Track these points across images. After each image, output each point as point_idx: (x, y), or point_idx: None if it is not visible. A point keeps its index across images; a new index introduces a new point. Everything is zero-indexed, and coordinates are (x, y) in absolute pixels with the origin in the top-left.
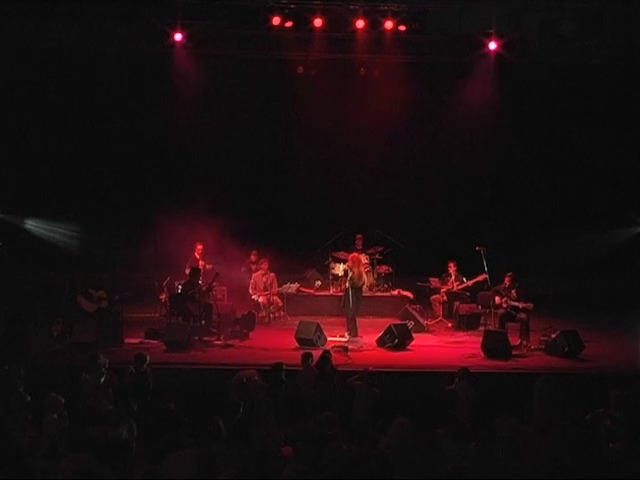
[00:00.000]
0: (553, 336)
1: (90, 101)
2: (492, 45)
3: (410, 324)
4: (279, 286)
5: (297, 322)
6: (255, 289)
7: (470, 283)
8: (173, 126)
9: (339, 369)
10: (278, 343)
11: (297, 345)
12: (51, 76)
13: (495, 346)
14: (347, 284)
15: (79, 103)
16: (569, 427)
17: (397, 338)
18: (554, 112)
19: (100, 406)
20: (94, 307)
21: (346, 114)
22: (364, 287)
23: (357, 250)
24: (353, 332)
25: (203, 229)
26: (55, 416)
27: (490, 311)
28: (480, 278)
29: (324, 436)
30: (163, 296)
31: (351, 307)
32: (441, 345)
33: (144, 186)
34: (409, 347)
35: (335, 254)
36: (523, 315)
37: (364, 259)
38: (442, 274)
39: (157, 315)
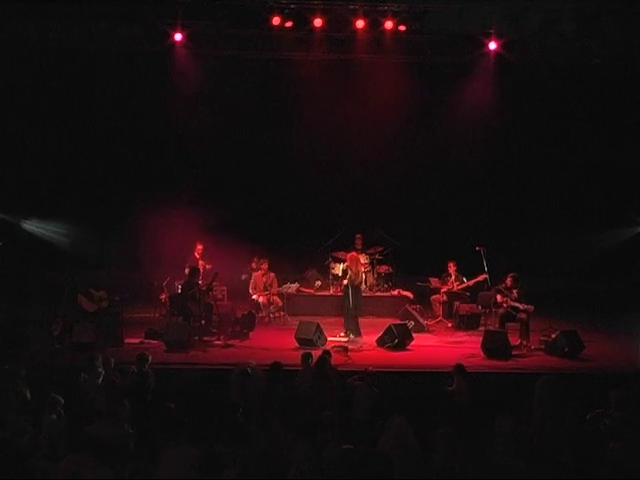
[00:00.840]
0: (553, 336)
1: (90, 101)
2: (492, 45)
3: (410, 324)
4: (279, 286)
5: (297, 322)
6: (255, 289)
7: (470, 283)
8: (173, 126)
9: (339, 369)
10: (278, 343)
11: (297, 345)
12: (51, 76)
13: (495, 346)
14: (346, 282)
15: (79, 103)
16: (569, 427)
17: (397, 338)
18: (554, 112)
19: (99, 406)
20: (94, 307)
21: (346, 114)
22: (363, 287)
23: (357, 250)
24: (356, 332)
25: (202, 229)
26: (55, 416)
27: (490, 311)
28: (480, 278)
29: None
30: (163, 296)
31: (351, 307)
32: (441, 345)
33: (144, 186)
34: (409, 347)
35: (335, 254)
36: (523, 315)
37: (363, 259)
38: (442, 274)
39: (157, 315)
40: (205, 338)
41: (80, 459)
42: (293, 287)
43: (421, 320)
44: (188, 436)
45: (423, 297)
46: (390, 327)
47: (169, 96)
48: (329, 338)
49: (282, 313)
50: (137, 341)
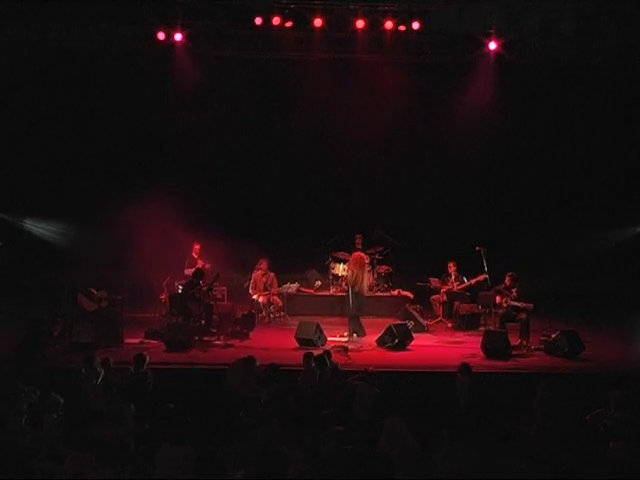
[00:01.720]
0: (553, 336)
1: (90, 101)
2: (492, 45)
3: (410, 324)
4: (279, 286)
5: (297, 322)
6: (255, 289)
7: (470, 283)
8: (173, 126)
9: (339, 369)
10: (278, 343)
11: (297, 345)
12: (51, 76)
13: (495, 346)
14: (346, 282)
15: (79, 103)
16: (569, 427)
17: (397, 338)
18: (554, 112)
19: (98, 406)
20: (94, 306)
21: (346, 114)
22: (364, 287)
23: (357, 250)
24: (360, 332)
25: (201, 229)
26: (55, 416)
27: (490, 311)
28: (480, 278)
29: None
30: (163, 296)
31: (351, 307)
32: (441, 345)
33: (143, 186)
34: (409, 347)
35: (335, 254)
36: (523, 315)
37: (366, 259)
38: (442, 274)
39: (157, 315)
40: (205, 338)
41: (82, 459)
42: (293, 287)
43: (421, 320)
44: (187, 436)
45: (423, 297)
46: (390, 327)
47: (169, 96)
48: (329, 338)
49: (282, 313)
50: (137, 341)
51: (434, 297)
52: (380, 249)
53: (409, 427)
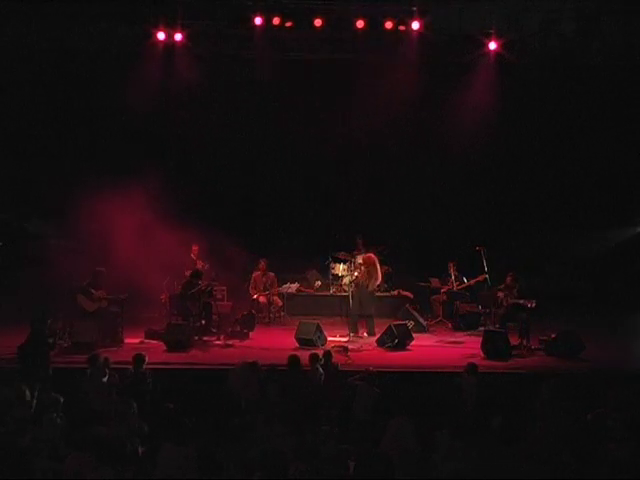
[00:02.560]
0: (553, 336)
1: (90, 101)
2: (492, 45)
3: (410, 324)
4: (279, 286)
5: (297, 322)
6: (255, 289)
7: (470, 283)
8: (172, 126)
9: (340, 369)
10: (278, 343)
11: (297, 345)
12: (51, 76)
13: (495, 346)
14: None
15: (79, 103)
16: (569, 427)
17: (397, 338)
18: (554, 112)
19: (101, 406)
20: (94, 306)
21: (345, 114)
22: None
23: (357, 250)
24: (371, 331)
25: (200, 229)
26: (55, 416)
27: (490, 311)
28: (480, 278)
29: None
30: (163, 296)
31: (351, 306)
32: (441, 345)
33: (143, 186)
34: (409, 347)
35: (335, 254)
36: (523, 315)
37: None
38: (442, 274)
39: (157, 315)
40: (205, 338)
41: (82, 459)
42: (293, 287)
43: (421, 320)
44: (187, 436)
45: (423, 297)
46: (390, 327)
47: (169, 96)
48: (329, 338)
49: (282, 313)
50: (137, 341)
51: (434, 297)
52: (381, 248)
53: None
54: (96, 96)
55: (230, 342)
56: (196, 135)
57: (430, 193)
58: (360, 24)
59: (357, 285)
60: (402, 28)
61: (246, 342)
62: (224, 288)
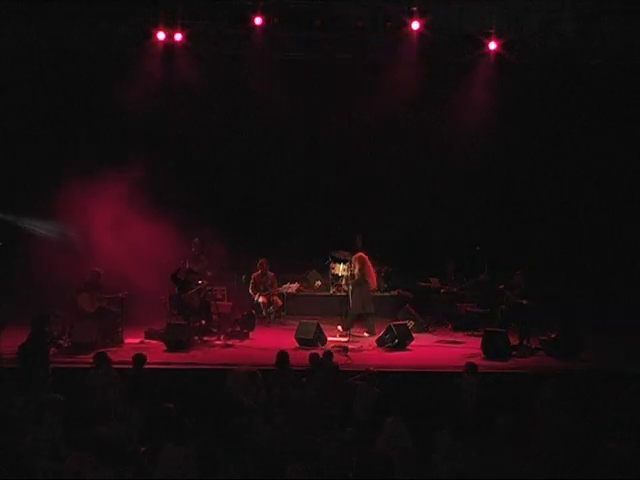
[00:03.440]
0: (553, 336)
1: (90, 101)
2: (492, 45)
3: (410, 324)
4: (279, 286)
5: (297, 322)
6: (255, 289)
7: (470, 283)
8: (172, 125)
9: (340, 369)
10: (278, 343)
11: (297, 345)
12: (51, 76)
13: (495, 346)
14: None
15: (79, 103)
16: (570, 427)
17: (397, 338)
18: (554, 112)
19: (104, 406)
20: (94, 306)
21: (345, 113)
22: (370, 283)
23: (357, 249)
24: (371, 330)
25: (200, 229)
26: (55, 416)
27: (490, 311)
28: (480, 278)
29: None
30: (163, 296)
31: (352, 305)
32: (441, 345)
33: (143, 186)
34: (409, 347)
35: (335, 254)
36: (524, 315)
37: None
38: (442, 274)
39: (157, 315)
40: (205, 338)
41: (82, 459)
42: (293, 287)
43: (421, 320)
44: (187, 436)
45: (423, 297)
46: (390, 327)
47: (169, 96)
48: (329, 338)
49: (282, 313)
50: (137, 341)
51: (434, 297)
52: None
53: (408, 427)
54: (96, 96)
55: (230, 342)
56: (196, 135)
57: (430, 193)
58: (360, 24)
59: (359, 283)
60: (402, 28)
61: (246, 342)
62: (224, 288)
